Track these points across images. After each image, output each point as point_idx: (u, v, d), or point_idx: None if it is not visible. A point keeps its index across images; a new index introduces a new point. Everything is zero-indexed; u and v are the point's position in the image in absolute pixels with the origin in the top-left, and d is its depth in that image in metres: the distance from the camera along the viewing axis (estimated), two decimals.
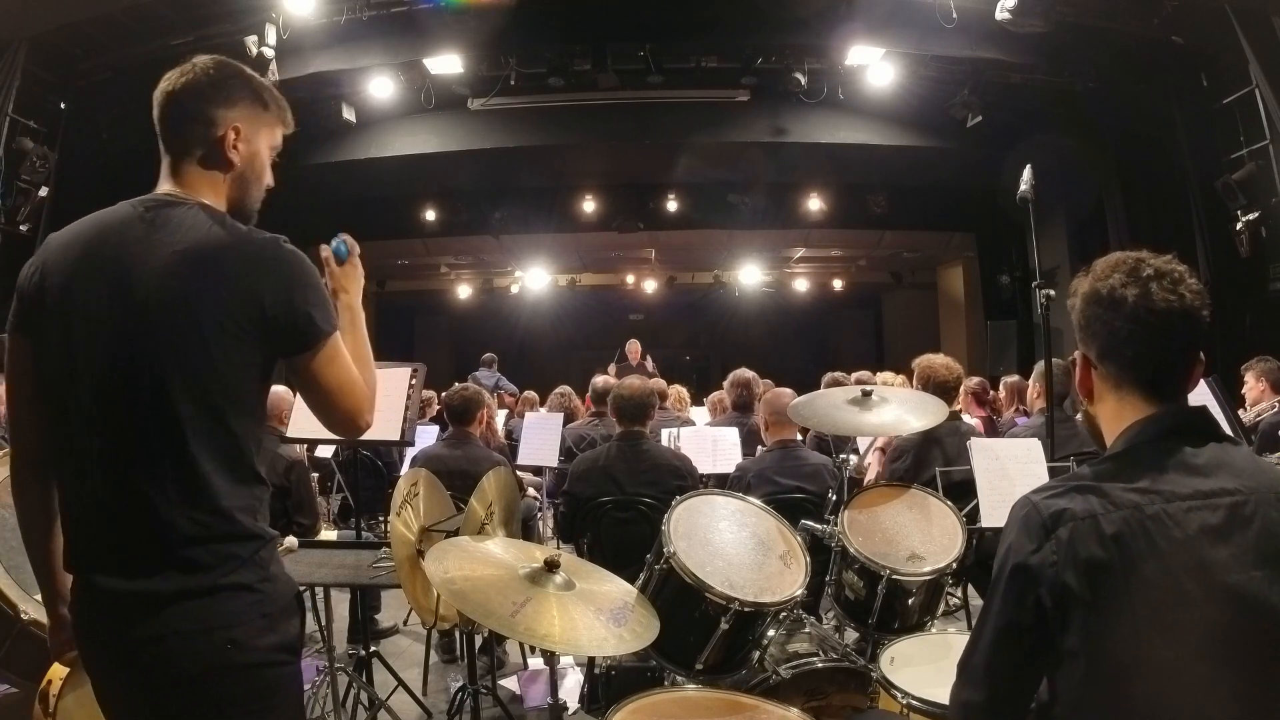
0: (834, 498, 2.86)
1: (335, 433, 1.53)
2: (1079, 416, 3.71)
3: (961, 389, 4.56)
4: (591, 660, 2.77)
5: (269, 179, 1.60)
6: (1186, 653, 1.14)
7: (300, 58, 7.09)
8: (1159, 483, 1.20)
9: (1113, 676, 1.15)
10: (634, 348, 10.28)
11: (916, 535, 2.64)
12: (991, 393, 6.41)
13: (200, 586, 1.34)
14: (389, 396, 3.11)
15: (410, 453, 4.49)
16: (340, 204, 9.97)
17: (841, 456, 3.25)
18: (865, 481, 4.45)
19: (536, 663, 4.14)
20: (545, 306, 15.17)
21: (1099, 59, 7.20)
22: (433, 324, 16.65)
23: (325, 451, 5.32)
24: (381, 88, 8.02)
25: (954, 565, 2.54)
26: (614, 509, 3.50)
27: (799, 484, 3.50)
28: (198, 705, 1.36)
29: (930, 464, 3.53)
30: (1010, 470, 3.04)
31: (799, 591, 2.28)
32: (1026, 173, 3.21)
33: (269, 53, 6.39)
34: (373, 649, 3.41)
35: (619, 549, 3.32)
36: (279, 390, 3.84)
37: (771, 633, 2.31)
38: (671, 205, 10.63)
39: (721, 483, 3.90)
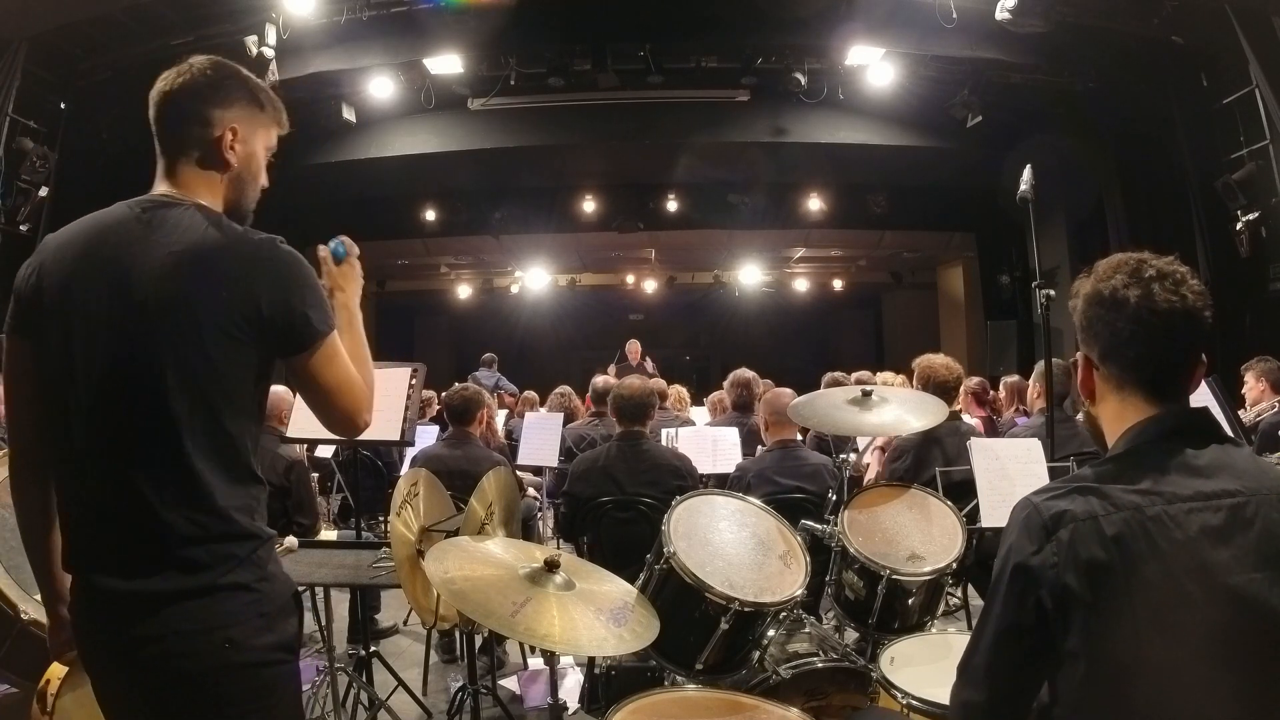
0: (834, 498, 2.86)
1: (334, 432, 1.53)
2: (1080, 417, 3.72)
3: (961, 389, 4.55)
4: (591, 660, 2.77)
5: (264, 179, 1.61)
6: (1187, 654, 1.14)
7: (300, 58, 7.09)
8: (1160, 484, 1.20)
9: (1113, 677, 1.15)
10: (634, 348, 10.28)
11: (916, 535, 2.64)
12: (991, 393, 6.42)
13: (198, 586, 1.35)
14: (389, 396, 3.11)
15: (410, 453, 4.49)
16: (340, 204, 9.97)
17: (842, 456, 3.24)
18: (865, 481, 4.45)
19: (536, 663, 4.14)
20: (545, 306, 15.17)
21: (1099, 59, 7.20)
22: (433, 324, 16.65)
23: (325, 451, 5.32)
24: (381, 88, 8.01)
25: (954, 565, 2.54)
26: (614, 509, 3.49)
27: (799, 484, 3.50)
28: (197, 704, 1.36)
29: (930, 464, 3.53)
30: (1010, 470, 3.04)
31: (799, 591, 2.28)
32: (1026, 173, 3.21)
33: (269, 53, 6.40)
34: (373, 649, 3.41)
35: (619, 549, 3.32)
36: (279, 390, 3.83)
37: (771, 633, 2.31)
38: (671, 205, 10.63)
39: (721, 483, 3.90)
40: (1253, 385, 4.59)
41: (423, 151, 9.22)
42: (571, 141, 9.36)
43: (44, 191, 6.26)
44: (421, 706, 3.62)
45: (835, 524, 2.64)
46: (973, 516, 2.93)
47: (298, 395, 2.87)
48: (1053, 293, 3.19)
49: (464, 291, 15.35)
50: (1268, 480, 1.21)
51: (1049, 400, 3.50)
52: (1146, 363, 1.27)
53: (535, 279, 14.38)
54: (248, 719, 1.39)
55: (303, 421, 3.25)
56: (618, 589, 2.08)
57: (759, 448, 4.23)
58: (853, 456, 3.12)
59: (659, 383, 6.68)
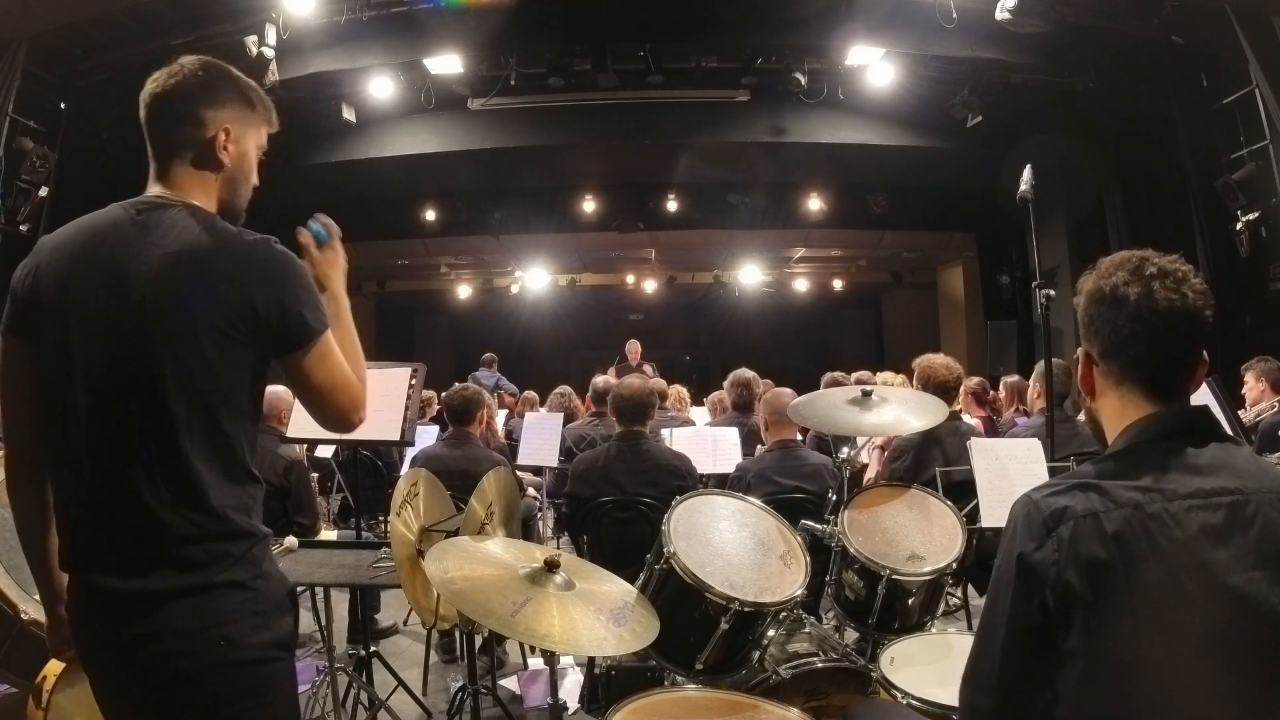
0: (834, 498, 2.86)
1: (328, 429, 1.54)
2: (1081, 417, 3.72)
3: (961, 389, 4.55)
4: (591, 660, 2.77)
5: (256, 178, 1.61)
6: (1187, 653, 1.14)
7: (300, 58, 7.09)
8: (1160, 481, 1.19)
9: (1113, 677, 1.15)
10: (634, 348, 10.28)
11: (916, 535, 2.64)
12: (991, 393, 6.41)
13: (194, 584, 1.36)
14: (389, 396, 3.11)
15: (410, 453, 4.49)
16: (340, 204, 9.88)
17: (841, 453, 3.24)
18: (865, 481, 4.45)
19: (536, 663, 4.13)
20: (545, 306, 15.17)
21: (1099, 59, 7.20)
22: (433, 324, 16.65)
23: (325, 451, 5.32)
24: (381, 88, 8.01)
25: (954, 565, 2.54)
26: (614, 509, 3.49)
27: (799, 484, 3.50)
28: (194, 702, 1.37)
29: (930, 464, 3.53)
30: (1010, 470, 3.04)
31: (799, 591, 2.28)
32: (1026, 173, 3.21)
33: (269, 53, 6.39)
34: (373, 649, 3.41)
35: (619, 549, 3.32)
36: (279, 390, 3.83)
37: (771, 633, 2.31)
38: (671, 205, 10.63)
39: (721, 483, 3.90)
40: (1253, 385, 4.59)
41: (423, 151, 9.22)
42: (571, 141, 9.36)
43: (44, 191, 6.25)
44: (421, 706, 3.62)
45: (835, 524, 2.65)
46: (973, 516, 2.93)
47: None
48: (1053, 293, 3.19)
49: (464, 291, 15.35)
50: (1268, 479, 1.21)
51: (1049, 400, 3.50)
52: (1146, 361, 1.27)
53: (535, 279, 14.38)
54: (244, 716, 1.40)
55: (302, 421, 3.24)
56: (618, 589, 2.08)
57: (759, 448, 4.22)
58: (848, 451, 3.12)
59: (659, 383, 6.68)
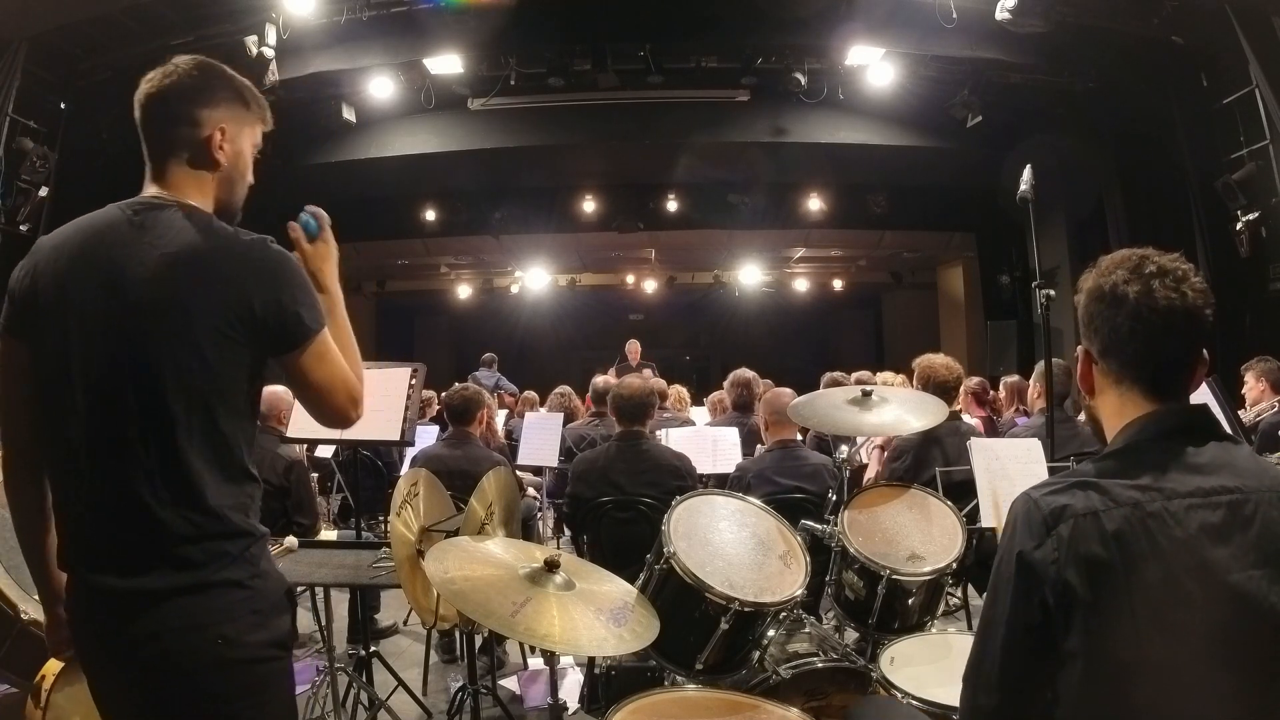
0: (834, 498, 2.86)
1: (327, 425, 1.55)
2: (1081, 416, 3.72)
3: (961, 389, 4.55)
4: (591, 660, 2.77)
5: (251, 177, 1.61)
6: (1187, 653, 1.14)
7: (300, 58, 7.09)
8: (1160, 480, 1.19)
9: (1113, 677, 1.15)
10: (634, 348, 10.27)
11: (916, 535, 2.64)
12: (991, 393, 6.41)
13: (192, 583, 1.37)
14: (389, 396, 3.11)
15: (410, 453, 4.49)
16: (340, 204, 9.85)
17: (841, 448, 3.24)
18: (865, 481, 4.45)
19: (536, 663, 4.13)
20: (545, 306, 15.16)
21: (1099, 59, 7.20)
22: (433, 324, 16.65)
23: (325, 451, 5.33)
24: (381, 88, 8.01)
25: (954, 565, 2.54)
26: (614, 509, 3.49)
27: (799, 484, 3.50)
28: (192, 700, 1.38)
29: (930, 464, 3.53)
30: (1010, 470, 3.03)
31: (799, 591, 2.28)
32: (1026, 173, 3.21)
33: (269, 53, 6.40)
34: (373, 649, 3.41)
35: (619, 549, 3.32)
36: (279, 390, 3.84)
37: (771, 633, 2.31)
38: (671, 205, 10.63)
39: (721, 483, 3.90)
40: (1253, 385, 4.59)
41: (423, 151, 9.22)
42: (571, 141, 9.36)
43: (44, 191, 6.26)
44: (421, 706, 3.62)
45: (835, 524, 2.64)
46: (973, 516, 2.93)
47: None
48: (1053, 293, 3.19)
49: (464, 291, 15.35)
50: (1267, 478, 1.21)
51: (1049, 400, 3.50)
52: (1145, 360, 1.27)
53: (535, 279, 14.38)
54: (241, 715, 1.40)
55: (302, 421, 3.25)
56: (618, 589, 2.08)
57: (759, 448, 4.22)
58: (847, 449, 3.12)
59: (659, 383, 6.68)
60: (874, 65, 7.79)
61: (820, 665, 2.29)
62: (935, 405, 2.95)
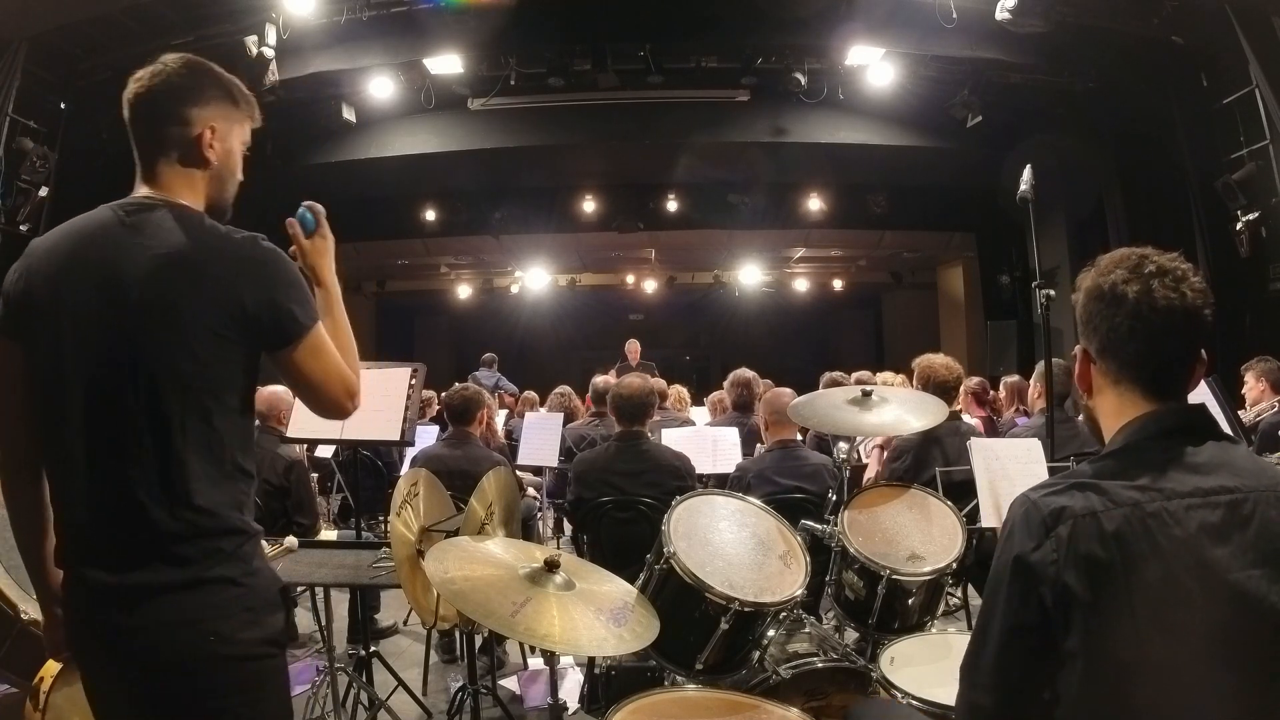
0: (834, 498, 2.86)
1: (324, 417, 1.57)
2: (1080, 417, 3.71)
3: (961, 389, 4.55)
4: (591, 660, 2.77)
5: (241, 175, 1.62)
6: (1187, 652, 1.14)
7: (300, 58, 7.09)
8: (1159, 480, 1.19)
9: (1113, 677, 1.15)
10: (634, 348, 10.27)
11: (916, 535, 2.64)
12: (991, 393, 6.41)
13: (185, 580, 1.38)
14: (389, 396, 3.11)
15: (410, 453, 4.49)
16: (340, 204, 9.85)
17: (840, 445, 3.23)
18: (864, 480, 4.45)
19: (536, 663, 4.13)
20: (545, 306, 15.17)
21: (1099, 59, 7.20)
22: (433, 324, 16.65)
23: (325, 451, 5.33)
24: (381, 88, 8.01)
25: (954, 565, 2.54)
26: (614, 509, 3.49)
27: (799, 484, 3.50)
28: (183, 696, 1.39)
29: (930, 464, 3.53)
30: (1010, 470, 3.04)
31: (799, 591, 2.28)
32: (1026, 173, 3.22)
33: (269, 53, 6.40)
34: (373, 649, 3.41)
35: (619, 549, 3.32)
36: (278, 390, 3.84)
37: (771, 633, 2.31)
38: (671, 205, 10.63)
39: (721, 483, 3.90)
40: (1253, 385, 4.59)
41: (423, 151, 9.21)
42: (571, 141, 9.36)
43: (44, 191, 6.26)
44: (421, 706, 3.62)
45: (835, 524, 2.64)
46: (973, 516, 2.93)
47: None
48: (1053, 293, 3.19)
49: (464, 291, 15.35)
50: (1266, 478, 1.21)
51: (1049, 400, 3.50)
52: (1144, 359, 1.27)
53: (535, 279, 14.38)
54: (234, 712, 1.41)
55: (303, 421, 3.25)
56: (618, 589, 2.08)
57: (759, 447, 4.22)
58: (846, 447, 3.11)
59: (659, 382, 6.68)
60: (874, 65, 7.79)
61: (820, 665, 2.29)
62: (935, 405, 2.95)
